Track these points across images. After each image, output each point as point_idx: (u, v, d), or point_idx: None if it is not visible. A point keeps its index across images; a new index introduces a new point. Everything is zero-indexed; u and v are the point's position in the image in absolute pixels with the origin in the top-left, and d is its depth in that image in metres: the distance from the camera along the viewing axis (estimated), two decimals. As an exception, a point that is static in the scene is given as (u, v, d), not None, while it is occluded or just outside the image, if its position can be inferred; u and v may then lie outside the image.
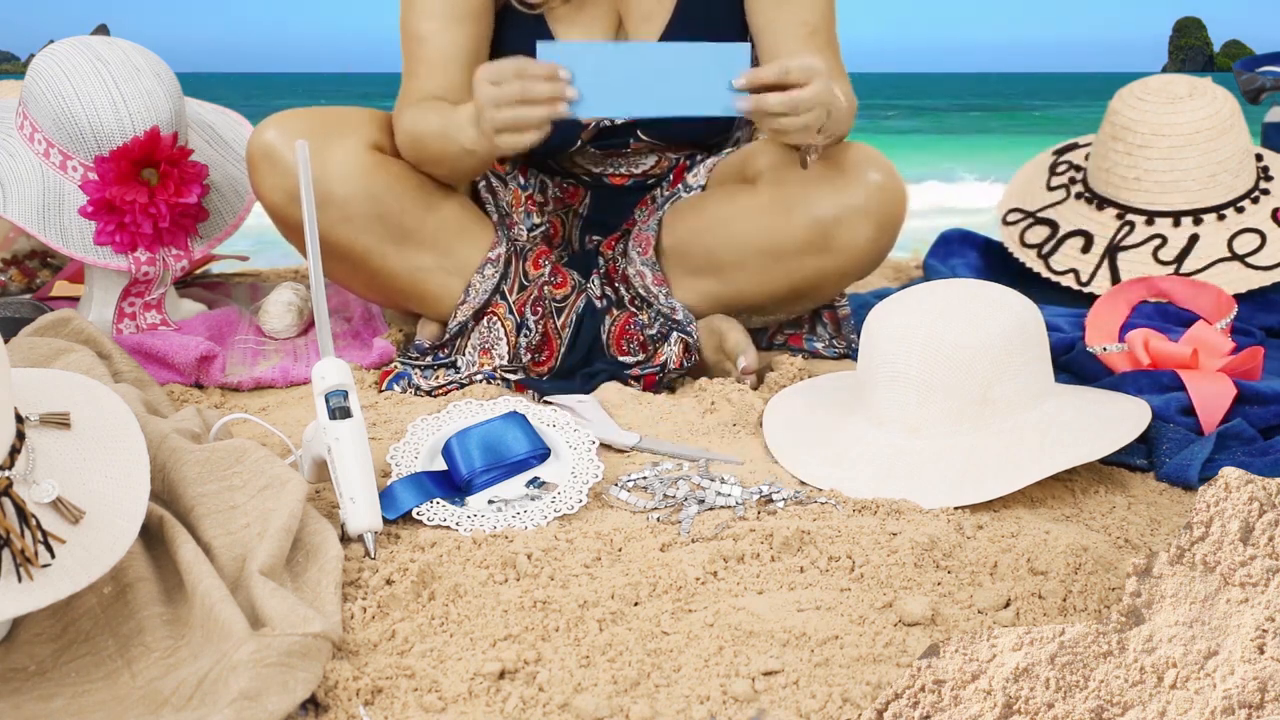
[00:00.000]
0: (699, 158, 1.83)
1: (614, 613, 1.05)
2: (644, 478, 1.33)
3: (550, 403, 1.53)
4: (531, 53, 1.40)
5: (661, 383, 1.66)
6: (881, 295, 2.04)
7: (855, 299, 1.96)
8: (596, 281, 1.76)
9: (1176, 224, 2.00)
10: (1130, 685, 0.87)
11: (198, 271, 2.16)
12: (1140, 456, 1.40)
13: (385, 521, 1.21)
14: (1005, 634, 0.91)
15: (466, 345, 1.68)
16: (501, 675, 0.96)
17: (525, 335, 1.67)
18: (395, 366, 1.68)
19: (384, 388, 1.64)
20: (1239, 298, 1.90)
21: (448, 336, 1.69)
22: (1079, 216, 2.07)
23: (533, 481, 1.29)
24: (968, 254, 2.25)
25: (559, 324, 1.70)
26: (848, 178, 1.61)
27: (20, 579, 0.90)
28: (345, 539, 1.17)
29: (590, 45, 1.43)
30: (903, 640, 1.01)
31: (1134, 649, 0.89)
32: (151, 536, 1.08)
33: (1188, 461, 1.36)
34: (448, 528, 1.21)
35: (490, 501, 1.26)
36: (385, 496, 1.23)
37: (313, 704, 0.92)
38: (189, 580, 1.01)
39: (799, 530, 1.17)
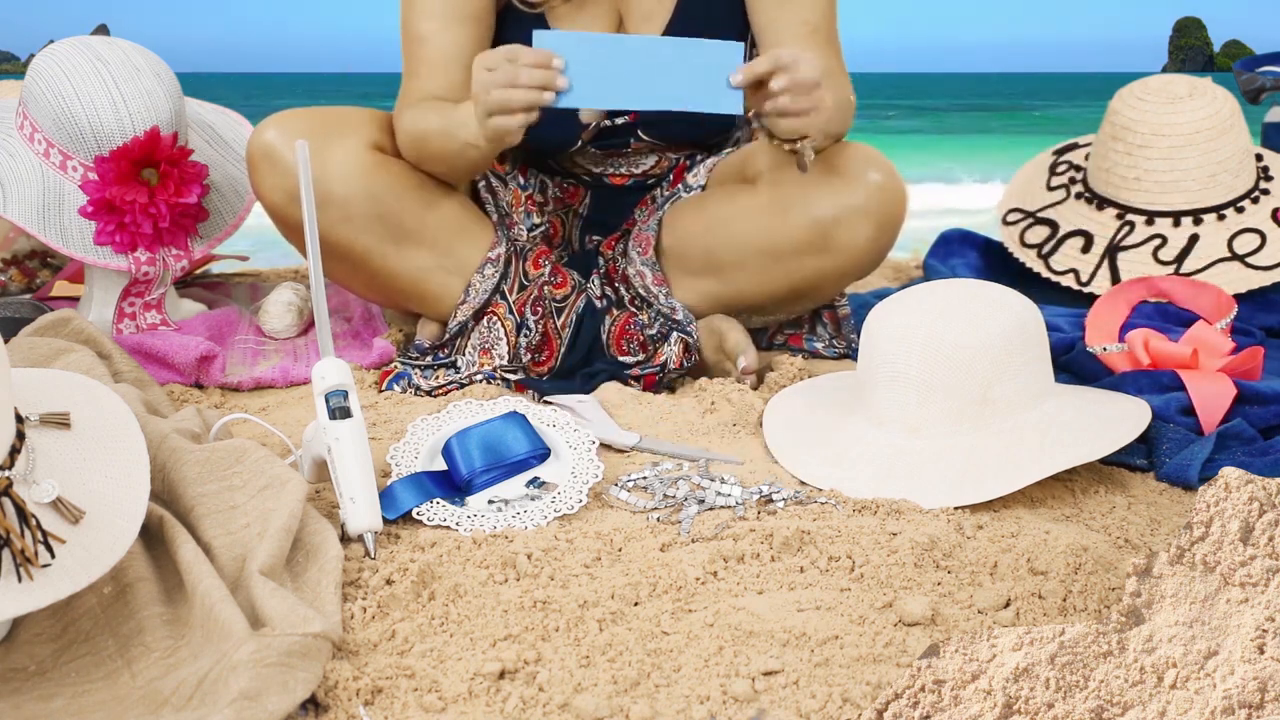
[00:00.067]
0: (699, 158, 1.83)
1: (614, 613, 1.05)
2: (644, 478, 1.33)
3: (550, 403, 1.53)
4: (530, 45, 1.41)
5: (661, 383, 1.66)
6: (881, 295, 2.04)
7: (855, 299, 1.96)
8: (596, 281, 1.76)
9: (1176, 224, 2.00)
10: (1130, 685, 0.87)
11: (198, 271, 2.16)
12: (1140, 456, 1.40)
13: (385, 521, 1.21)
14: (1005, 634, 0.91)
15: (466, 345, 1.68)
16: (501, 675, 0.96)
17: (525, 335, 1.67)
18: (395, 366, 1.68)
19: (384, 388, 1.64)
20: (1239, 298, 1.90)
21: (448, 336, 1.69)
22: (1079, 216, 2.07)
23: (533, 481, 1.29)
24: (968, 254, 2.25)
25: (559, 324, 1.70)
26: (848, 178, 1.61)
27: (20, 579, 0.90)
28: (345, 539, 1.17)
29: (585, 35, 1.43)
30: (903, 640, 1.01)
31: (1134, 649, 0.89)
32: (151, 536, 1.08)
33: (1188, 461, 1.36)
34: (448, 528, 1.21)
35: (490, 501, 1.26)
36: (385, 496, 1.23)
37: (313, 704, 0.92)
38: (189, 580, 1.01)
39: (799, 530, 1.17)
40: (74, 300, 1.89)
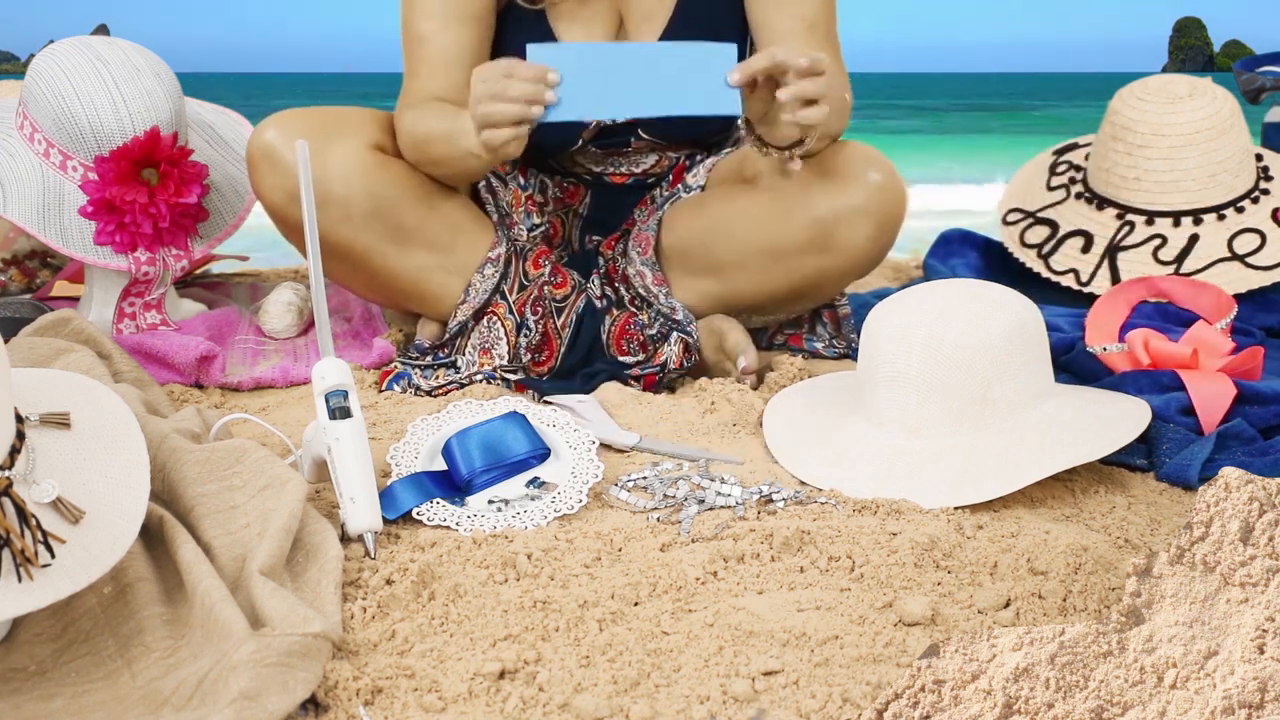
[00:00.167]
0: (699, 157, 1.83)
1: (614, 613, 1.05)
2: (644, 478, 1.33)
3: (550, 403, 1.53)
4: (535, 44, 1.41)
5: (661, 383, 1.66)
6: (881, 295, 2.04)
7: (855, 299, 1.96)
8: (596, 281, 1.76)
9: (1176, 224, 2.00)
10: (1130, 685, 0.87)
11: (198, 271, 2.16)
12: (1140, 456, 1.40)
13: (385, 521, 1.21)
14: (1005, 634, 0.91)
15: (466, 345, 1.68)
16: (501, 675, 0.96)
17: (525, 335, 1.67)
18: (395, 366, 1.68)
19: (384, 388, 1.64)
20: (1239, 298, 1.90)
21: (448, 336, 1.69)
22: (1079, 216, 2.07)
23: (533, 481, 1.29)
24: (968, 254, 2.25)
25: (559, 324, 1.70)
26: (847, 177, 1.61)
27: (20, 579, 0.90)
28: (345, 539, 1.17)
29: (579, 46, 1.43)
30: (903, 640, 1.01)
31: (1134, 649, 0.89)
32: (151, 536, 1.08)
33: (1188, 461, 1.36)
34: (448, 528, 1.21)
35: (490, 501, 1.26)
36: (385, 496, 1.23)
37: (313, 704, 0.92)
38: (189, 580, 1.01)
39: (799, 530, 1.17)
40: (74, 300, 1.89)
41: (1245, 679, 0.83)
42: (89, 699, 0.93)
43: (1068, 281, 2.02)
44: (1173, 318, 1.77)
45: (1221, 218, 2.00)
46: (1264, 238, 1.97)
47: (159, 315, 1.79)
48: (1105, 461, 1.39)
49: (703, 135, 1.82)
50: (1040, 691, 0.86)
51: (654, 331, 1.69)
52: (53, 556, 0.92)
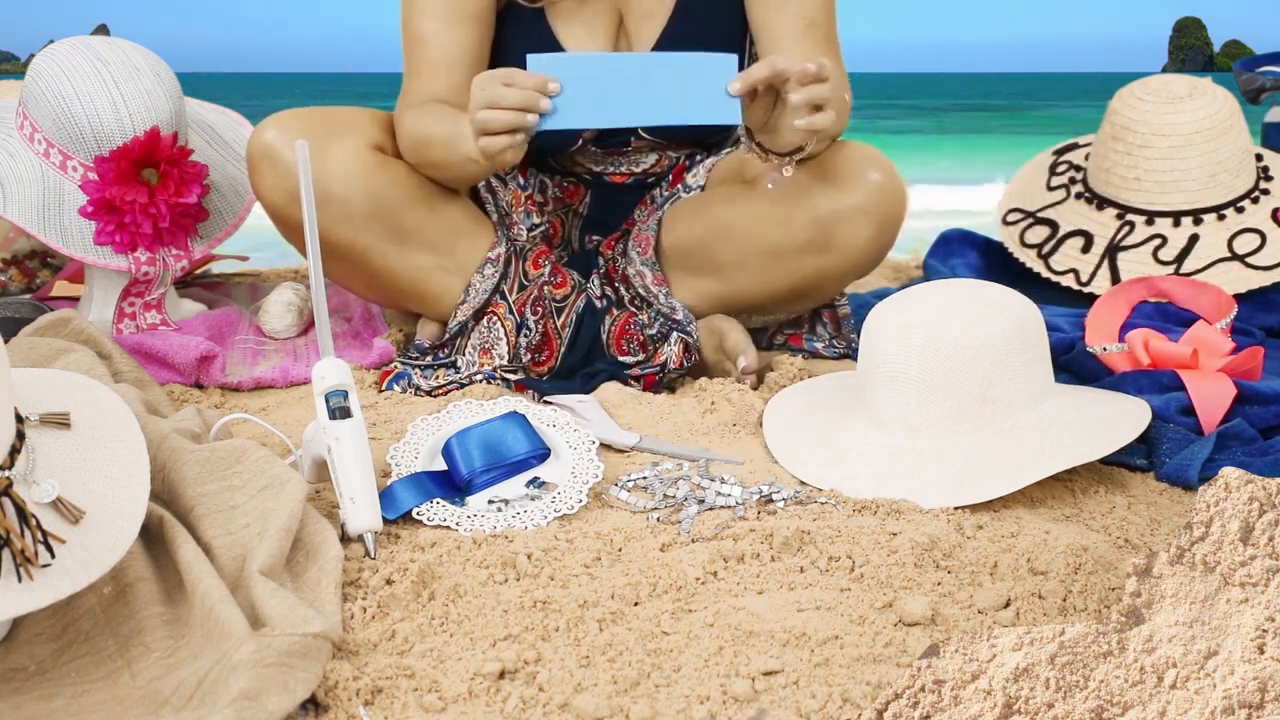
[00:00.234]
0: (699, 157, 1.83)
1: (614, 613, 1.05)
2: (644, 478, 1.33)
3: (550, 403, 1.53)
4: (533, 53, 1.41)
5: (661, 383, 1.66)
6: (881, 295, 2.04)
7: (855, 299, 1.96)
8: (596, 281, 1.76)
9: (1176, 224, 2.00)
10: (1130, 685, 0.87)
11: (198, 271, 2.16)
12: (1140, 456, 1.40)
13: (385, 521, 1.21)
14: (1005, 634, 0.91)
15: (466, 345, 1.68)
16: (501, 675, 0.96)
17: (525, 335, 1.67)
18: (395, 366, 1.68)
19: (384, 388, 1.64)
20: (1239, 298, 1.90)
21: (448, 336, 1.69)
22: (1079, 216, 2.07)
23: (533, 481, 1.29)
24: (968, 254, 2.25)
25: (559, 324, 1.70)
26: (847, 177, 1.61)
27: (20, 579, 0.90)
28: (345, 539, 1.17)
29: (579, 55, 1.44)
30: (903, 640, 1.01)
31: (1134, 649, 0.89)
32: (151, 536, 1.08)
33: (1188, 461, 1.36)
34: (448, 528, 1.21)
35: (490, 501, 1.26)
36: (385, 496, 1.23)
37: (313, 704, 0.92)
38: (189, 580, 1.01)
39: (799, 530, 1.17)
40: (74, 300, 1.89)
41: (1245, 679, 0.83)
42: (89, 699, 0.93)
43: (1068, 281, 2.02)
44: (1173, 318, 1.77)
45: (1221, 218, 2.00)
46: (1264, 238, 1.97)
47: (159, 315, 1.79)
48: (1105, 461, 1.39)
49: (703, 135, 1.82)
50: (1040, 691, 0.86)
51: (654, 331, 1.69)
52: (53, 556, 0.92)
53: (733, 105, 1.41)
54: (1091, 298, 1.95)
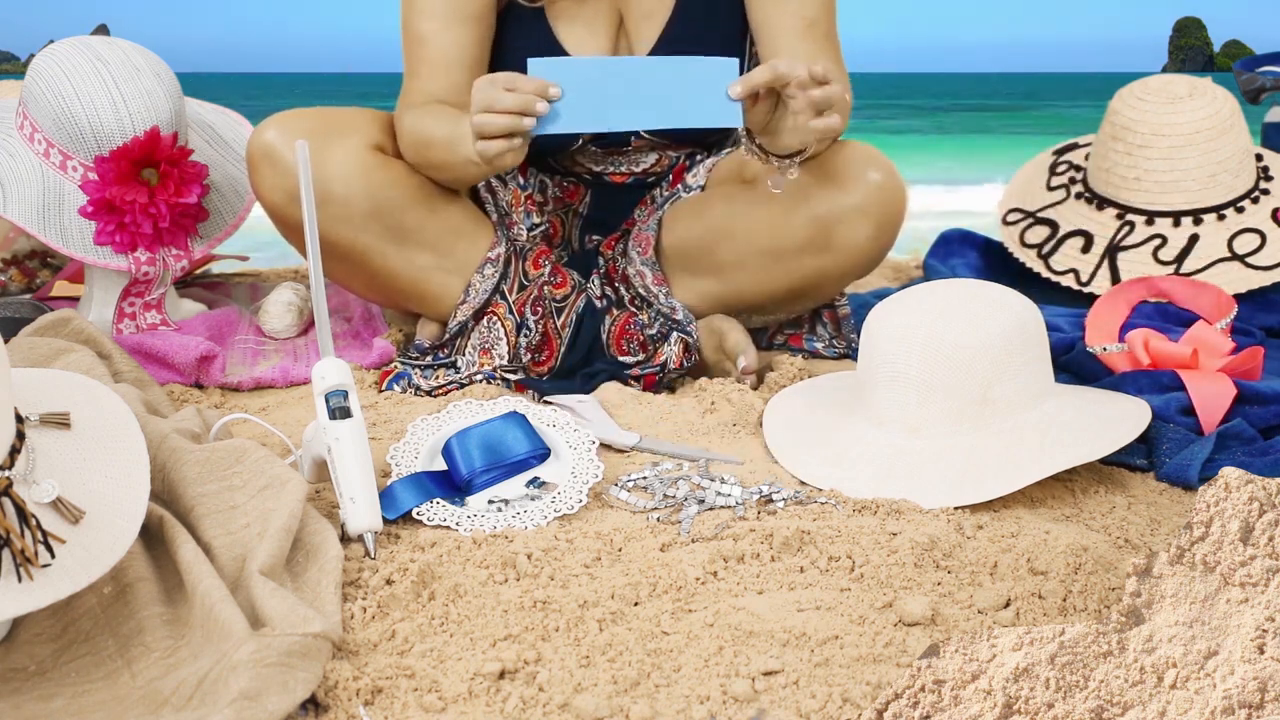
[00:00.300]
0: (699, 157, 1.83)
1: (614, 613, 1.05)
2: (644, 478, 1.33)
3: (550, 403, 1.53)
4: (534, 53, 1.41)
5: (661, 383, 1.66)
6: (881, 295, 2.04)
7: (855, 299, 1.96)
8: (596, 281, 1.76)
9: (1176, 224, 2.00)
10: (1130, 685, 0.87)
11: (198, 271, 2.16)
12: (1140, 456, 1.40)
13: (385, 521, 1.21)
14: (1005, 634, 0.91)
15: (466, 345, 1.68)
16: (501, 675, 0.96)
17: (525, 335, 1.67)
18: (395, 366, 1.68)
19: (384, 388, 1.64)
20: (1239, 298, 1.90)
21: (448, 336, 1.69)
22: (1079, 216, 2.07)
23: (533, 481, 1.29)
24: (968, 254, 2.25)
25: (559, 324, 1.70)
26: (847, 177, 1.61)
27: (20, 579, 0.90)
28: (345, 539, 1.17)
29: (579, 60, 1.44)
30: (903, 640, 1.01)
31: (1134, 649, 0.89)
32: (151, 536, 1.08)
33: (1188, 461, 1.36)
34: (448, 528, 1.21)
35: (490, 501, 1.26)
36: (385, 496, 1.23)
37: (313, 704, 0.92)
38: (189, 580, 1.01)
39: (799, 530, 1.17)
40: (74, 300, 1.89)
41: (1245, 679, 0.83)
42: (89, 699, 0.93)
43: (1068, 281, 2.02)
44: (1173, 318, 1.77)
45: (1221, 218, 2.00)
46: (1264, 238, 1.97)
47: (159, 315, 1.79)
48: (1105, 461, 1.39)
49: (703, 135, 1.82)
50: (1040, 691, 0.86)
51: (654, 331, 1.69)
52: (53, 556, 0.92)
53: (734, 108, 1.41)
54: (1091, 298, 1.95)
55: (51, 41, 1.81)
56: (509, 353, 1.66)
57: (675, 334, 1.67)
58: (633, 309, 1.73)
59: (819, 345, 1.81)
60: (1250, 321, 1.87)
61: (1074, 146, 2.23)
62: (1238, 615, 0.90)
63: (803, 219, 1.62)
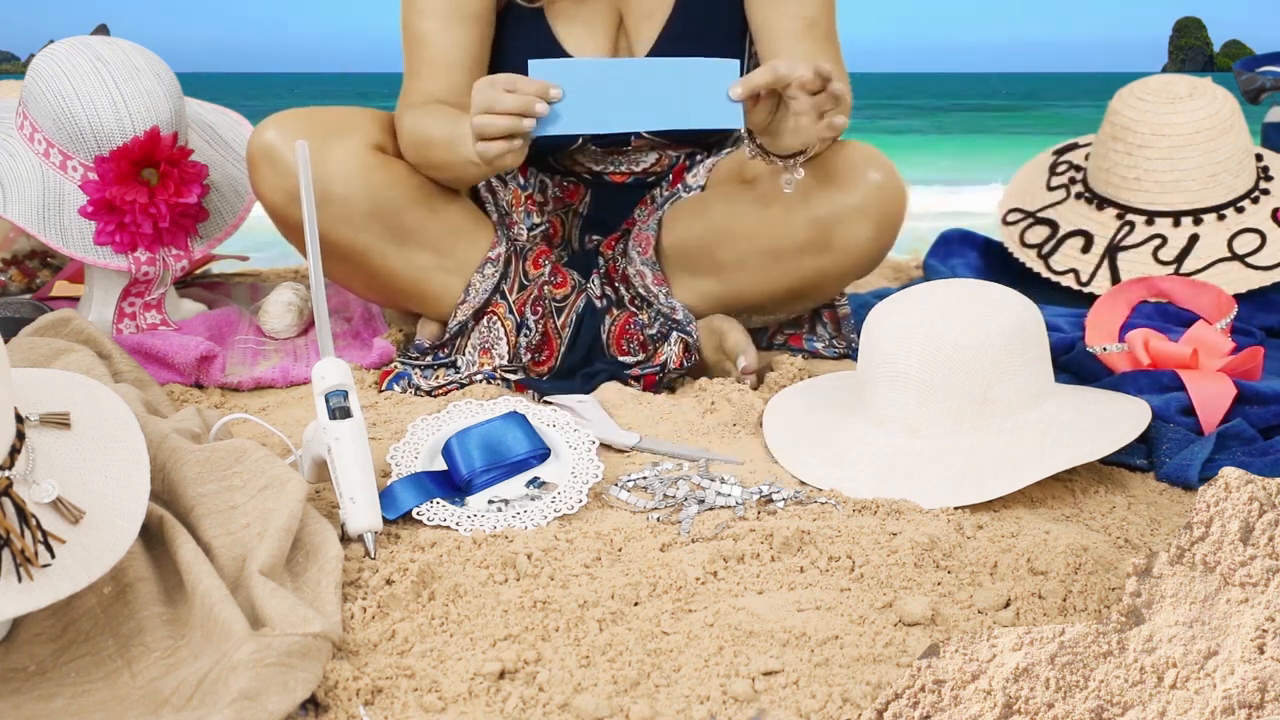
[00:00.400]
0: (699, 157, 1.83)
1: (614, 613, 1.05)
2: (644, 478, 1.33)
3: (550, 403, 1.53)
4: (533, 53, 1.41)
5: (661, 383, 1.66)
6: (881, 295, 2.04)
7: (855, 299, 1.96)
8: (596, 281, 1.76)
9: (1176, 224, 2.00)
10: (1130, 685, 0.87)
11: (198, 271, 2.16)
12: (1140, 456, 1.40)
13: (385, 521, 1.21)
14: (1005, 634, 0.91)
15: (466, 345, 1.68)
16: (501, 675, 0.96)
17: (525, 335, 1.67)
18: (395, 366, 1.68)
19: (384, 388, 1.64)
20: (1239, 298, 1.90)
21: (448, 336, 1.69)
22: (1079, 216, 2.07)
23: (533, 481, 1.29)
24: (968, 254, 2.25)
25: (559, 324, 1.70)
26: (847, 177, 1.61)
27: (20, 579, 0.90)
28: (345, 539, 1.17)
29: (580, 61, 1.44)
30: (903, 640, 1.01)
31: (1134, 649, 0.89)
32: (151, 536, 1.08)
33: (1188, 461, 1.36)
34: (448, 528, 1.21)
35: (490, 501, 1.26)
36: (385, 496, 1.23)
37: (313, 704, 0.92)
38: (189, 580, 1.01)
39: (799, 530, 1.17)
40: (74, 300, 1.89)
41: (1245, 679, 0.83)
42: (89, 699, 0.93)
43: (1068, 281, 2.02)
44: (1173, 318, 1.77)
45: (1221, 218, 2.00)
46: (1264, 238, 1.97)
47: (159, 315, 1.79)
48: (1105, 461, 1.39)
49: (703, 135, 1.82)
50: (1040, 691, 0.86)
51: (654, 331, 1.69)
52: (53, 556, 0.92)
53: (734, 109, 1.41)
54: (1091, 298, 1.95)
55: (51, 41, 1.81)
56: (509, 353, 1.66)
57: (675, 334, 1.67)
58: (633, 309, 1.73)
59: (819, 345, 1.81)
60: (1250, 321, 1.87)
61: (1074, 146, 2.23)
62: (1238, 615, 0.90)
63: (803, 219, 1.62)
